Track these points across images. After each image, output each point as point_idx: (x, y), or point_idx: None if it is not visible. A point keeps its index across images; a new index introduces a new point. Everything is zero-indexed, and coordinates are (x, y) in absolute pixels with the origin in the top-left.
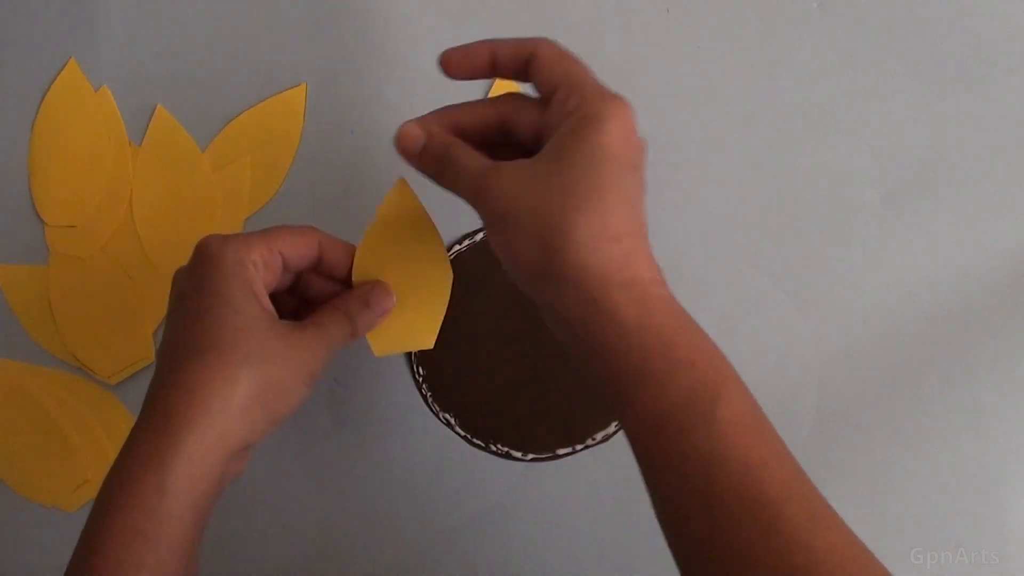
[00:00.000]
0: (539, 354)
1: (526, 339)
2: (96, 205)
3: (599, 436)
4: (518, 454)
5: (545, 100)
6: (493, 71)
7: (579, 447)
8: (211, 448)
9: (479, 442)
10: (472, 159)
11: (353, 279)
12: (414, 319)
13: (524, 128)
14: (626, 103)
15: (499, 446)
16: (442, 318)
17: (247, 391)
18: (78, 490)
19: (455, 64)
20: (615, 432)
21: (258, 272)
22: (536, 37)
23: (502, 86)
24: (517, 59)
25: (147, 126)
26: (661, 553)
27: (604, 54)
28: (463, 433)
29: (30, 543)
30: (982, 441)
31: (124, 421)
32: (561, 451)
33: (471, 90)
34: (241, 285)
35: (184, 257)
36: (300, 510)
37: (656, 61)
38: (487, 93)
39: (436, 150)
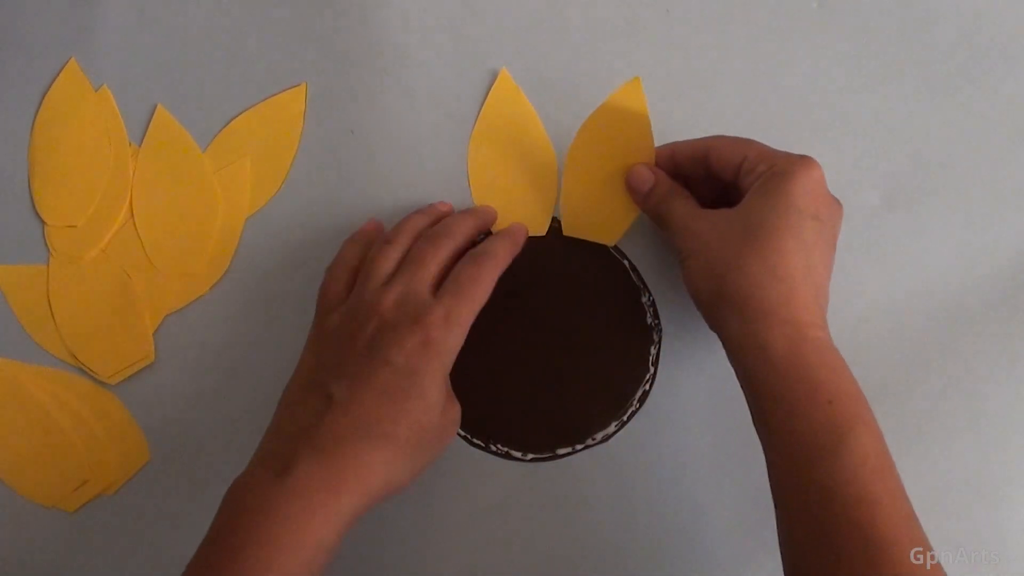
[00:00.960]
0: (539, 355)
1: (526, 340)
2: (96, 205)
3: (599, 436)
4: (518, 454)
5: (731, 177)
6: (675, 170)
7: (579, 447)
8: (350, 523)
9: (479, 442)
10: (684, 205)
11: (469, 171)
12: (526, 205)
13: (723, 162)
14: (814, 161)
15: (499, 446)
16: (553, 206)
17: (408, 475)
18: (78, 490)
19: (646, 176)
20: (615, 432)
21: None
22: (710, 135)
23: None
24: (694, 155)
25: (147, 126)
26: (661, 553)
27: (604, 54)
28: (463, 433)
29: (30, 543)
30: (982, 441)
31: (125, 421)
32: (561, 451)
33: (471, 92)
34: (444, 381)
35: (184, 257)
36: None
37: (656, 61)
38: (485, 95)
39: (659, 194)
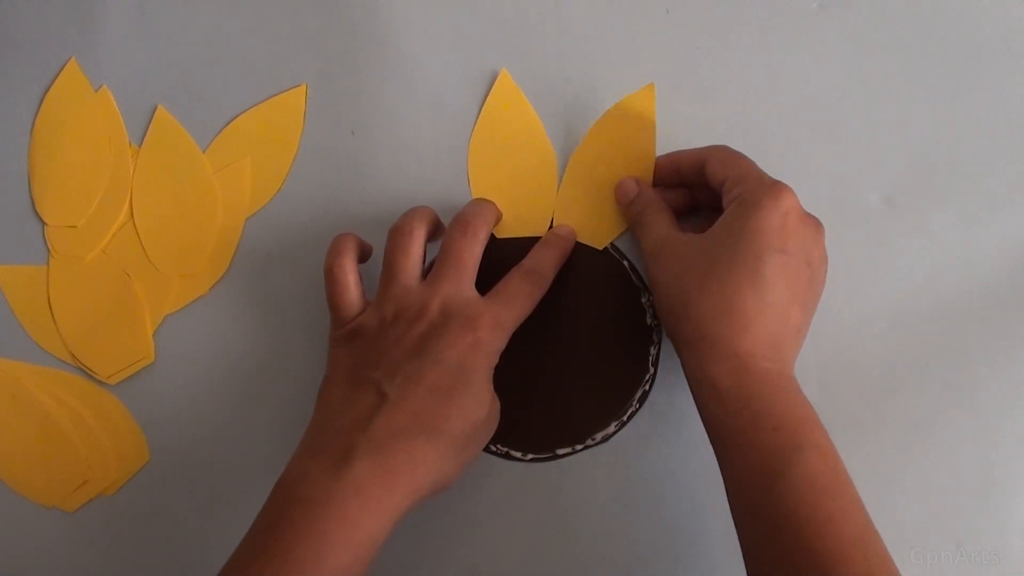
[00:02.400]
0: (539, 355)
1: (526, 340)
2: (96, 205)
3: (599, 436)
4: (518, 454)
5: (719, 192)
6: (679, 178)
7: (579, 447)
8: (399, 519)
9: None
10: (660, 224)
11: (469, 171)
12: (526, 205)
13: (713, 177)
14: (785, 190)
15: (499, 446)
16: (552, 206)
17: (455, 472)
18: (78, 490)
19: (629, 187)
20: (615, 432)
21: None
22: (711, 145)
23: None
24: (694, 164)
25: (147, 126)
26: (660, 553)
27: (604, 54)
28: None
29: (30, 543)
30: (982, 441)
31: (124, 421)
32: (561, 451)
33: (471, 92)
34: (490, 379)
35: (184, 257)
36: None
37: (656, 61)
38: (485, 95)
39: (637, 207)
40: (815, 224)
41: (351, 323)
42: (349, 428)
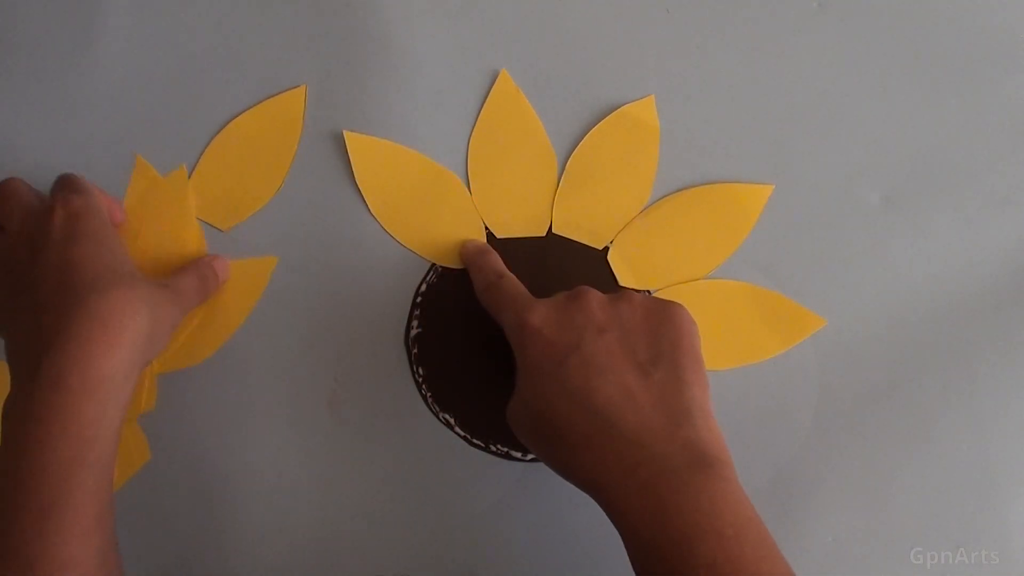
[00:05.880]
0: None
1: None
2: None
3: None
4: (518, 454)
5: None
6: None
7: None
8: (129, 377)
9: (479, 442)
10: (511, 312)
11: (469, 171)
12: (526, 205)
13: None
14: (527, 316)
15: (499, 446)
16: (552, 206)
17: (146, 326)
18: None
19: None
20: None
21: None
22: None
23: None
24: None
25: (147, 126)
26: None
27: (604, 54)
28: (463, 433)
29: None
30: (982, 441)
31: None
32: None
33: (471, 92)
34: (114, 234)
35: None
36: (299, 510)
37: (656, 61)
38: (485, 95)
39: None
40: (577, 295)
41: None
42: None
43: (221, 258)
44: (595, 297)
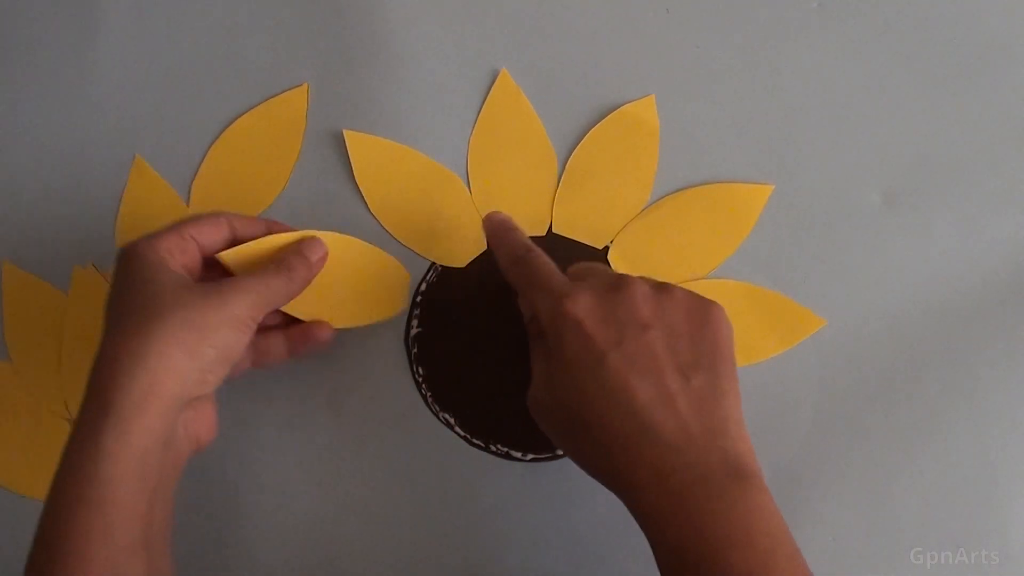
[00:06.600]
0: None
1: (526, 340)
2: None
3: None
4: (518, 454)
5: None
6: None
7: None
8: (139, 404)
9: (479, 442)
10: (533, 364)
11: (469, 171)
12: (526, 205)
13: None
14: (570, 303)
15: (499, 446)
16: (552, 206)
17: (161, 340)
18: None
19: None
20: None
21: (173, 257)
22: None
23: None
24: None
25: (147, 126)
26: None
27: (604, 54)
28: (463, 433)
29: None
30: (982, 441)
31: None
32: (561, 451)
33: (471, 92)
34: (153, 263)
35: None
36: (299, 510)
37: (656, 61)
38: (485, 95)
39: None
40: (620, 285)
41: None
42: None
43: (314, 241)
44: (639, 289)
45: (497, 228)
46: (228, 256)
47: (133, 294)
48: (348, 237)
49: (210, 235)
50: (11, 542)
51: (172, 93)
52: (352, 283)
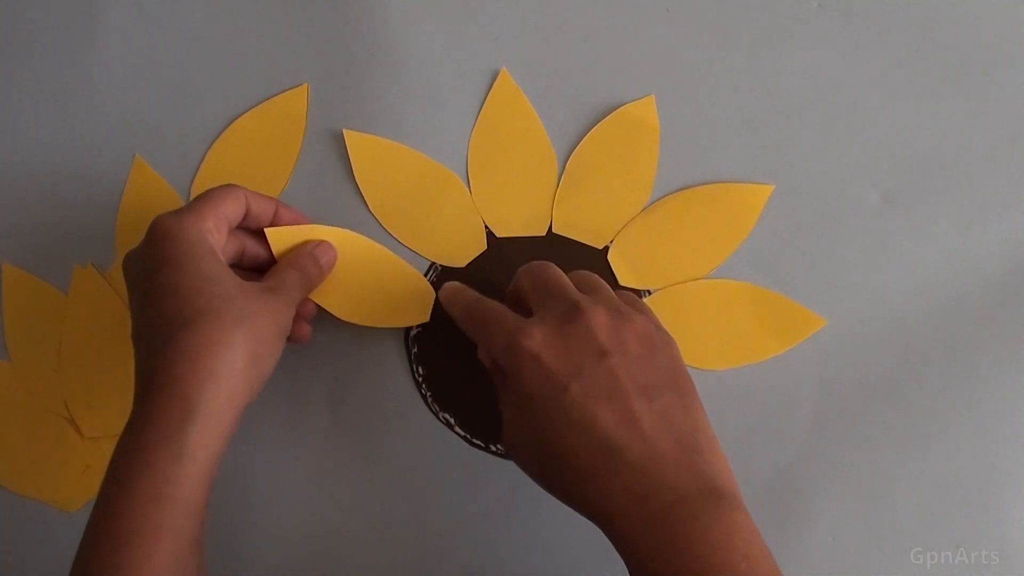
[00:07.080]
0: None
1: None
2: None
3: None
4: None
5: None
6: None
7: None
8: (223, 411)
9: (479, 442)
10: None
11: (469, 170)
12: (526, 205)
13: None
14: (523, 340)
15: (499, 446)
16: (552, 206)
17: (244, 352)
18: (80, 478)
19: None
20: None
21: (217, 239)
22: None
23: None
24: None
25: (150, 126)
26: None
27: (604, 54)
28: (463, 433)
29: (31, 543)
30: (982, 441)
31: None
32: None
33: (471, 92)
34: (207, 255)
35: None
36: (299, 510)
37: (656, 61)
38: (485, 95)
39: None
40: (575, 314)
41: None
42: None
43: (324, 245)
44: (595, 318)
45: (448, 291)
46: (273, 234)
47: (196, 287)
48: (384, 248)
49: (233, 210)
50: (11, 542)
51: (172, 93)
52: (384, 287)
